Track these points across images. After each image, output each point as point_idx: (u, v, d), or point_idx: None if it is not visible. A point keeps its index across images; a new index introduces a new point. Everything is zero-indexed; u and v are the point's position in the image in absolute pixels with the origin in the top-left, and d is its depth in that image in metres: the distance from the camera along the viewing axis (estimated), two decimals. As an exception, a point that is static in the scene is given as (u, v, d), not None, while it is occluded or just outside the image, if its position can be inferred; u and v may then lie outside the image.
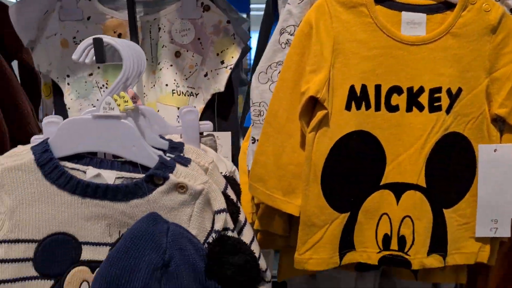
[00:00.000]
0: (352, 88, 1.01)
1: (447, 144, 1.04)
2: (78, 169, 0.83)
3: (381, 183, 1.05)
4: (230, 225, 0.85)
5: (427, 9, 1.03)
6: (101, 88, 1.30)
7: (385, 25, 1.01)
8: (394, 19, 1.02)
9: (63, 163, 0.82)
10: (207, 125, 1.02)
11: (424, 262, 1.06)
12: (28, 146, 0.84)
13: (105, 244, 0.83)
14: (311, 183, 1.02)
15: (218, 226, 0.82)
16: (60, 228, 0.81)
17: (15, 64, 1.68)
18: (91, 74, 1.29)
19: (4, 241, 0.79)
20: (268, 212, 1.12)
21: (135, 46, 0.92)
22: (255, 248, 0.89)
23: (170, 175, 0.81)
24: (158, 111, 1.27)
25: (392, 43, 1.00)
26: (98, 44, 0.82)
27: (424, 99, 1.02)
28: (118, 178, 0.83)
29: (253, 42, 1.68)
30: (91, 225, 0.82)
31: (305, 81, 1.00)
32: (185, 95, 1.29)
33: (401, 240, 1.06)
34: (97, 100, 1.28)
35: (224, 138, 1.26)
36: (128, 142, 0.83)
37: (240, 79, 1.58)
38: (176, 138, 0.98)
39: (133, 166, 0.84)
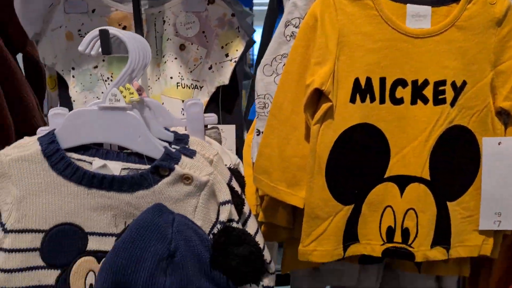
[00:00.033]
0: (357, 80, 1.01)
1: (452, 137, 1.04)
2: (84, 160, 0.83)
3: (385, 176, 1.05)
4: (235, 216, 0.85)
5: (432, 2, 1.03)
6: (105, 81, 1.30)
7: (390, 18, 1.01)
8: (399, 11, 1.02)
9: (69, 154, 0.82)
10: (212, 117, 1.02)
11: (428, 254, 1.07)
12: (35, 137, 0.84)
13: (111, 235, 0.83)
14: (315, 175, 1.03)
15: (223, 217, 0.83)
16: (67, 218, 0.82)
17: (19, 57, 1.68)
18: (96, 67, 1.30)
19: (12, 231, 0.80)
20: (272, 204, 1.12)
21: (140, 38, 0.93)
22: (260, 239, 0.90)
23: (176, 166, 0.82)
24: (162, 103, 1.27)
25: (397, 36, 1.00)
26: (104, 36, 0.82)
27: (428, 92, 1.02)
28: (124, 169, 0.84)
29: (256, 37, 1.68)
30: (97, 215, 0.82)
31: (310, 73, 1.00)
32: (189, 88, 1.29)
33: (405, 233, 1.06)
34: (102, 93, 1.29)
35: (229, 131, 1.27)
36: (134, 134, 0.83)
37: (244, 73, 1.58)
38: (181, 130, 0.99)
39: (139, 157, 0.85)
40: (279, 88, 1.06)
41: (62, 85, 1.31)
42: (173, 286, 0.74)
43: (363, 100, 1.02)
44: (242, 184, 0.96)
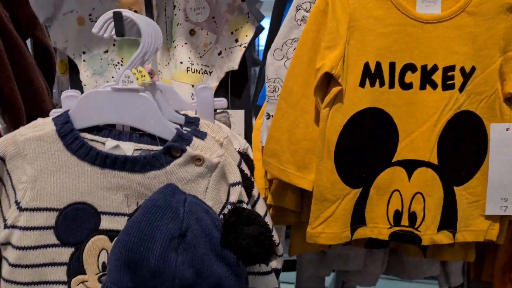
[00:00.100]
0: (366, 65, 1.02)
1: (460, 122, 1.05)
2: (97, 141, 0.85)
3: (393, 160, 1.06)
4: (245, 198, 0.86)
5: (443, -13, 1.03)
6: (116, 65, 1.31)
7: (400, 3, 1.01)
8: (410, -4, 1.02)
9: (83, 134, 0.84)
10: (222, 101, 1.03)
11: (434, 238, 1.08)
12: (49, 119, 0.85)
13: (123, 215, 0.85)
14: (324, 159, 1.04)
15: (233, 198, 0.84)
16: (80, 197, 0.83)
17: (29, 43, 1.69)
18: (106, 51, 1.30)
19: (26, 209, 0.82)
20: (281, 188, 1.13)
21: (152, 22, 0.93)
22: (268, 221, 0.91)
23: (187, 147, 0.83)
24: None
25: (407, 21, 1.01)
26: (118, 18, 0.83)
27: (437, 77, 1.03)
28: (137, 150, 0.85)
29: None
30: (110, 195, 0.84)
31: (320, 57, 1.01)
32: (199, 73, 1.30)
33: (412, 216, 1.07)
34: (112, 77, 1.30)
35: (237, 116, 1.27)
36: (146, 115, 0.84)
37: (252, 59, 1.59)
38: (191, 114, 1.00)
39: (151, 138, 0.86)
40: (289, 72, 1.06)
41: (73, 70, 1.32)
42: (184, 265, 0.75)
43: (372, 84, 1.03)
44: (251, 167, 0.97)
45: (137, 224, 0.76)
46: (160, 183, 0.83)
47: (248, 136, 1.32)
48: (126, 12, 0.84)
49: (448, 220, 1.08)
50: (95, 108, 0.84)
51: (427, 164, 1.06)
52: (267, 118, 1.13)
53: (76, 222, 0.83)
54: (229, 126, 1.12)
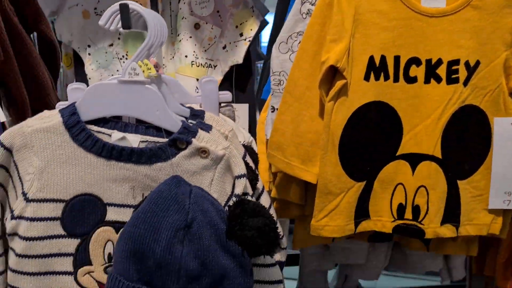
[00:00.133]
0: (371, 58, 1.02)
1: (464, 116, 1.05)
2: (103, 133, 0.85)
3: (397, 154, 1.07)
4: (250, 190, 0.87)
5: (448, -19, 1.03)
6: (120, 59, 1.32)
7: (405, -4, 1.01)
8: (415, -10, 1.02)
9: (89, 126, 0.84)
10: (227, 95, 1.03)
11: (438, 231, 1.08)
12: (56, 110, 0.86)
13: (129, 206, 0.85)
14: (328, 152, 1.04)
15: (238, 190, 0.84)
16: (87, 189, 0.84)
17: (34, 37, 1.69)
18: (111, 45, 1.31)
19: (33, 200, 0.82)
20: (285, 181, 1.14)
21: (157, 15, 0.94)
22: (273, 214, 0.91)
23: (193, 139, 0.83)
24: (177, 82, 1.28)
25: (412, 15, 1.01)
26: (124, 10, 0.84)
27: (442, 71, 1.03)
28: (142, 142, 0.85)
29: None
30: (115, 187, 0.84)
31: (325, 50, 1.01)
32: (203, 67, 1.30)
33: (416, 210, 1.08)
34: (117, 71, 1.30)
35: (242, 110, 1.28)
36: (152, 107, 0.85)
37: (256, 54, 1.59)
38: (196, 107, 1.00)
39: (157, 130, 0.86)
40: (295, 65, 1.07)
41: (78, 63, 1.33)
42: (190, 256, 0.75)
43: (377, 78, 1.03)
44: (255, 160, 0.97)
45: (143, 215, 0.76)
46: (165, 175, 0.83)
47: (252, 130, 1.32)
48: (132, 5, 0.84)
49: (452, 214, 1.09)
50: (102, 100, 0.85)
51: (431, 158, 1.06)
52: (272, 111, 1.13)
53: (82, 214, 0.84)
54: (234, 119, 1.13)
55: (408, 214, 1.08)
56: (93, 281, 0.85)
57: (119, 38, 1.30)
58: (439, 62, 1.03)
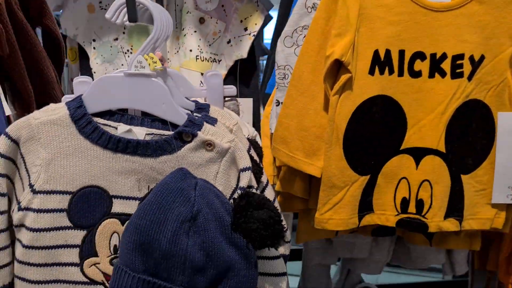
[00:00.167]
0: (376, 52, 1.02)
1: (468, 111, 1.06)
2: (109, 125, 0.86)
3: (401, 148, 1.07)
4: (254, 183, 0.87)
5: (453, -25, 1.03)
6: (125, 53, 1.32)
7: (410, -9, 1.02)
8: (420, -16, 1.02)
9: (95, 119, 0.85)
10: (231, 89, 1.04)
11: (441, 225, 1.09)
12: (62, 103, 0.86)
13: (135, 198, 0.86)
14: (333, 145, 1.05)
15: (243, 183, 0.85)
16: (93, 181, 0.84)
17: (38, 32, 1.70)
18: (116, 39, 1.31)
19: (40, 192, 0.83)
20: (289, 174, 1.14)
21: (163, 9, 0.94)
22: (277, 207, 0.92)
23: (199, 132, 0.83)
24: (181, 76, 1.29)
25: (417, 9, 1.01)
26: (130, 3, 0.84)
27: (446, 65, 1.03)
28: (148, 134, 0.86)
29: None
30: (121, 179, 0.85)
31: (330, 44, 1.02)
32: (208, 61, 1.31)
33: (419, 204, 1.08)
34: (122, 65, 1.31)
35: (246, 104, 1.28)
36: (158, 100, 0.85)
37: (260, 49, 1.59)
38: (200, 101, 1.01)
39: (162, 123, 0.87)
40: (299, 59, 1.07)
41: (83, 57, 1.33)
42: (195, 247, 0.76)
43: (381, 72, 1.03)
44: (259, 154, 0.98)
45: (148, 207, 0.77)
46: (171, 167, 0.83)
47: (256, 125, 1.33)
48: (138, -2, 0.85)
49: (455, 208, 1.09)
50: (108, 93, 0.85)
51: (435, 152, 1.06)
52: (277, 105, 1.14)
53: (88, 205, 0.84)
54: (238, 113, 1.13)
55: (412, 208, 1.09)
56: (99, 272, 0.86)
57: (124, 32, 1.31)
58: (444, 56, 1.03)
